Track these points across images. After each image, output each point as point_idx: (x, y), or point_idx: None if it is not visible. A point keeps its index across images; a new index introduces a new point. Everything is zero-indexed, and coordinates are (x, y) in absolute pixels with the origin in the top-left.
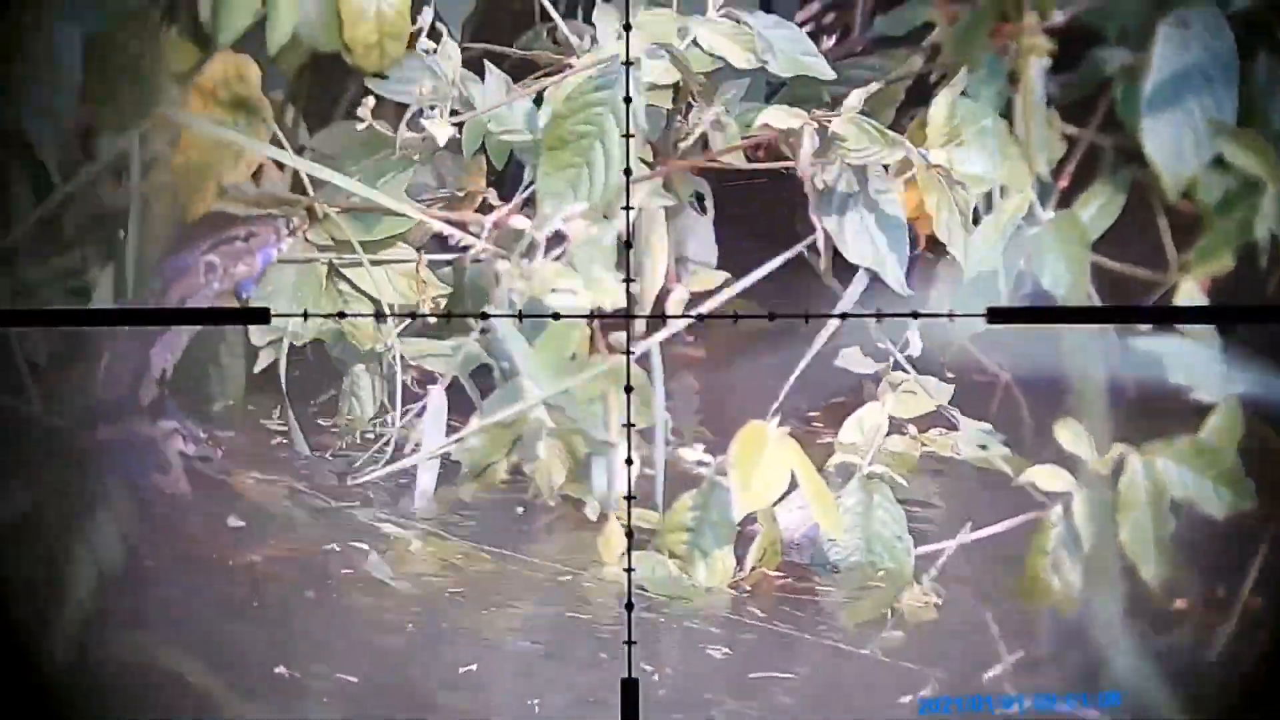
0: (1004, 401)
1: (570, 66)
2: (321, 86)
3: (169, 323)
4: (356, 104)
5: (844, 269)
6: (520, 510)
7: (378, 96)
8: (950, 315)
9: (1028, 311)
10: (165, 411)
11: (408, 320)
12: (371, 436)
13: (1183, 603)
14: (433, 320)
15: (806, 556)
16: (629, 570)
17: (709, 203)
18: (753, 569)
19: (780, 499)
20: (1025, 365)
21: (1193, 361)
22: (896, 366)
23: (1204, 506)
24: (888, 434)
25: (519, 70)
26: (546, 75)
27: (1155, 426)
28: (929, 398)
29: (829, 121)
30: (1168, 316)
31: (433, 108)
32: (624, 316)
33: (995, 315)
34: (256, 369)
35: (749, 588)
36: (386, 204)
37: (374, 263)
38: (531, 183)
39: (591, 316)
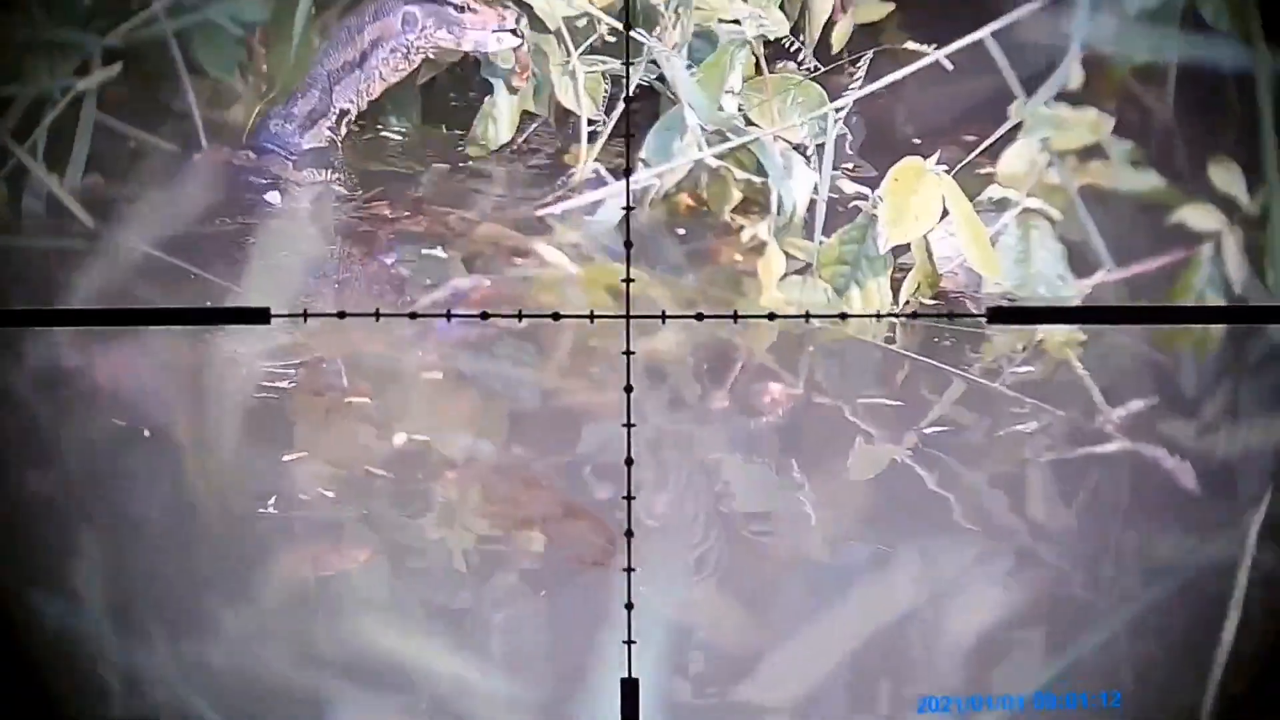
0: (1161, 138)
1: None
2: None
3: (168, 323)
4: None
5: None
6: (681, 232)
7: None
8: (950, 315)
9: (1026, 311)
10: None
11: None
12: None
13: None
14: None
15: (963, 285)
16: (629, 570)
17: None
18: (906, 302)
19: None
20: (1185, 102)
21: None
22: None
23: None
24: (1048, 165)
25: None
26: None
27: None
28: (1088, 130)
29: None
30: (1172, 317)
31: None
32: (624, 317)
33: (995, 315)
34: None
35: (903, 318)
36: None
37: None
38: None
39: (591, 316)
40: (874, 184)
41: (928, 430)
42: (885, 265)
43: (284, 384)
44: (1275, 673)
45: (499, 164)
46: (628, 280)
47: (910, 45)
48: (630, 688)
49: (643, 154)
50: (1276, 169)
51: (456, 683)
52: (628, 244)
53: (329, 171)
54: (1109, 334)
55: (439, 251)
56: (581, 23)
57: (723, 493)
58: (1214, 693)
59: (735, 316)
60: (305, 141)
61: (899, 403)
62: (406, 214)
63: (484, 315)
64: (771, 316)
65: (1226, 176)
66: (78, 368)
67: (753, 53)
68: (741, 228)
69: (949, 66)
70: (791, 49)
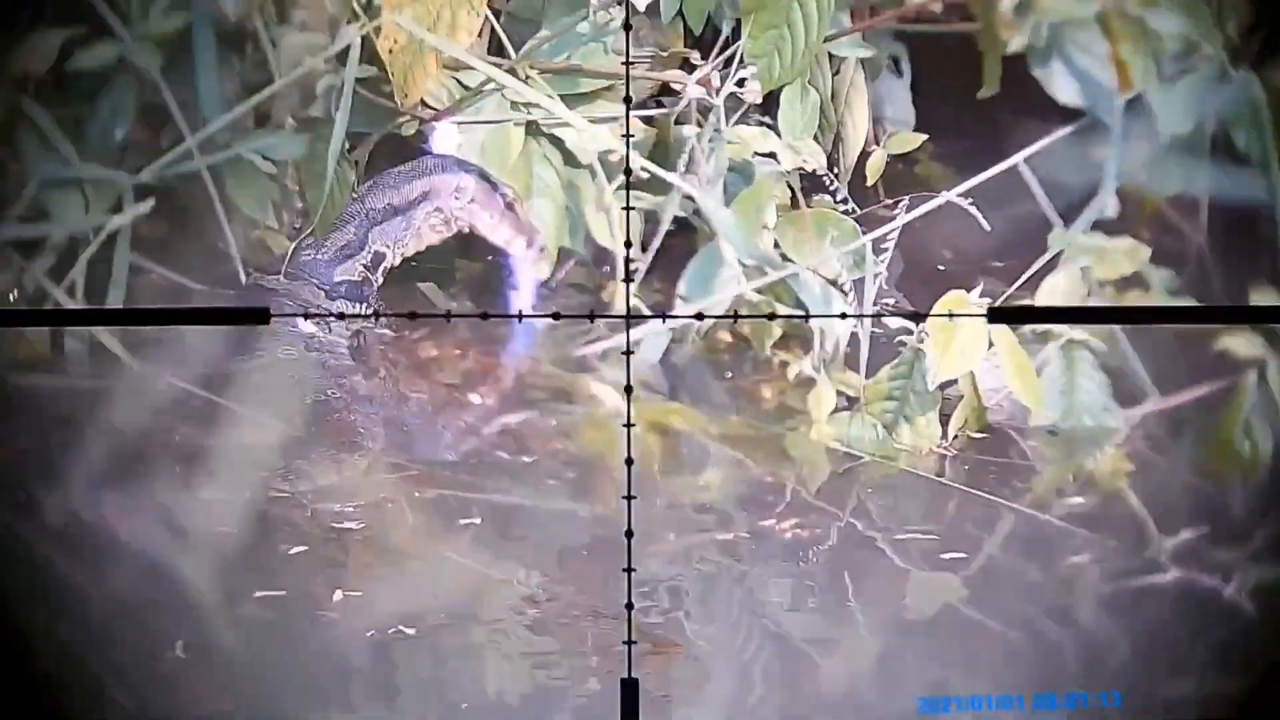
0: (1199, 266)
1: None
2: None
3: (168, 323)
4: None
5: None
6: (729, 374)
7: None
8: (950, 315)
9: (1026, 311)
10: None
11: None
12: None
13: None
14: None
15: (1009, 417)
16: (629, 570)
17: (905, 65)
18: (954, 436)
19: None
20: (1220, 229)
21: None
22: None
23: None
24: (1088, 294)
25: None
26: None
27: None
28: (1126, 259)
29: None
30: (1172, 316)
31: None
32: (624, 317)
33: (995, 315)
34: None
35: (954, 451)
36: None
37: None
38: (727, 44)
39: (591, 316)
40: (916, 318)
41: (978, 563)
42: (934, 401)
43: None
44: None
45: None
46: (628, 280)
47: (946, 196)
48: (630, 688)
49: (681, 290)
50: None
51: None
52: (627, 244)
53: (364, 306)
54: (1156, 463)
55: (480, 394)
56: (615, 158)
57: (772, 620)
58: None
59: (735, 317)
60: (337, 274)
61: (948, 536)
62: (456, 352)
63: (484, 316)
64: (772, 317)
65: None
66: None
67: (789, 186)
68: (785, 364)
69: (986, 227)
70: (827, 183)
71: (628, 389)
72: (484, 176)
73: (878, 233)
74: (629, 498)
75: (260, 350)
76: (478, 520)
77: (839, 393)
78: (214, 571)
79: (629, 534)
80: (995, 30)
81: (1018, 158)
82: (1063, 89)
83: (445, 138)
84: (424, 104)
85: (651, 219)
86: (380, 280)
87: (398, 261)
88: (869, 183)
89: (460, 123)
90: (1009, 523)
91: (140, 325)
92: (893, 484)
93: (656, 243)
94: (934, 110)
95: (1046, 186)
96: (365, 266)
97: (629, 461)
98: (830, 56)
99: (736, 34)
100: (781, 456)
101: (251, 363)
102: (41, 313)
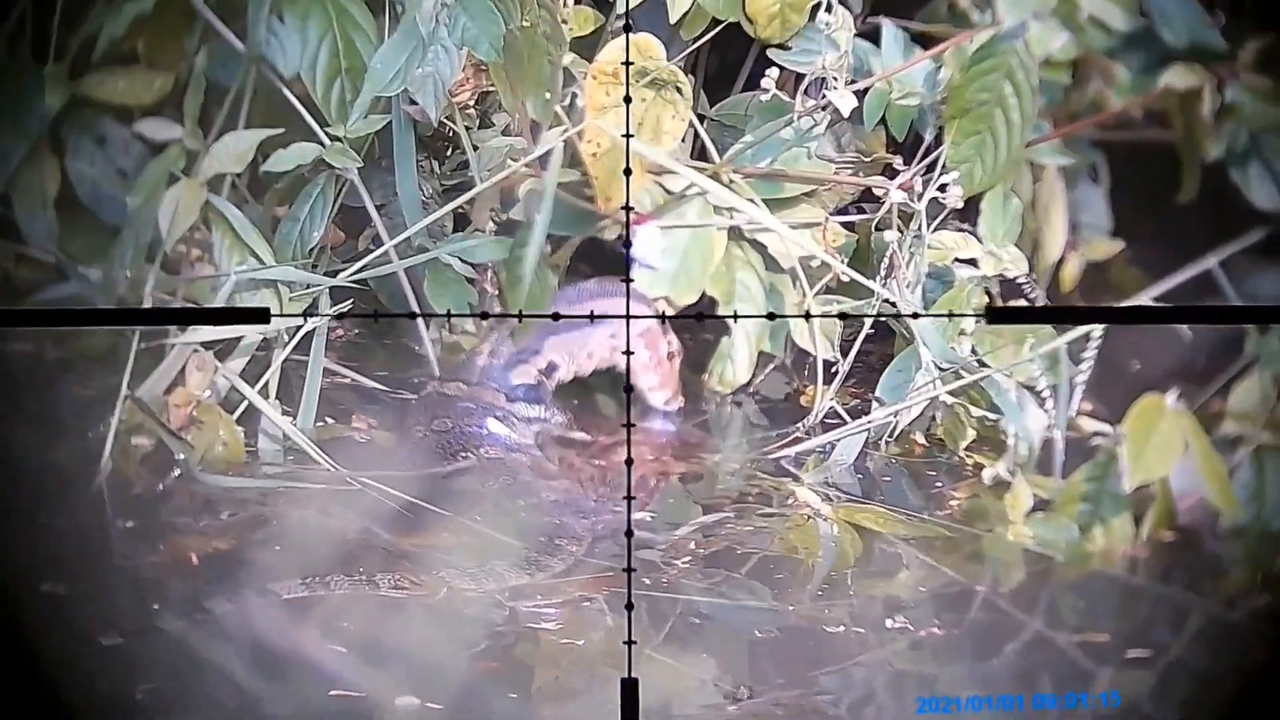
0: None
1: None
2: (721, 57)
3: (168, 323)
4: (756, 74)
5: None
6: (932, 474)
7: (780, 66)
8: (949, 315)
9: (1026, 311)
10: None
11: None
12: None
13: None
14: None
15: (1200, 521)
16: (629, 570)
17: (1103, 172)
18: (1149, 536)
19: None
20: None
21: None
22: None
23: None
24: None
25: (917, 43)
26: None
27: None
28: None
29: (1230, 76)
30: (1168, 316)
31: (834, 78)
32: (624, 317)
33: (995, 315)
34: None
35: (1145, 552)
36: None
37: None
38: (929, 150)
39: (591, 317)
40: (1107, 420)
41: (1168, 661)
42: (1130, 503)
43: None
44: None
45: (736, 405)
46: (628, 280)
47: (1143, 300)
48: (630, 688)
49: (878, 392)
50: None
51: None
52: (627, 244)
53: (542, 409)
54: None
55: (678, 497)
56: (816, 263)
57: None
58: None
59: (735, 316)
60: (512, 377)
61: (1137, 635)
62: (650, 458)
63: (484, 315)
64: (771, 316)
65: None
66: None
67: (986, 292)
68: (980, 466)
69: (1188, 333)
70: (1025, 289)
71: (627, 389)
72: (662, 320)
73: (1069, 335)
74: (629, 498)
75: (464, 453)
76: (674, 618)
77: (632, 530)
78: (403, 676)
79: (629, 534)
80: (1197, 137)
81: (1211, 261)
82: (1260, 193)
83: (648, 242)
84: (626, 208)
85: (851, 322)
86: (554, 386)
87: (569, 377)
88: (1065, 289)
89: (664, 227)
90: (1197, 621)
91: (140, 325)
92: (1085, 585)
93: (856, 347)
94: (1130, 216)
95: (1241, 291)
96: (540, 371)
97: (629, 462)
98: (1030, 163)
99: (939, 140)
100: (973, 558)
101: (448, 467)
102: (41, 313)
